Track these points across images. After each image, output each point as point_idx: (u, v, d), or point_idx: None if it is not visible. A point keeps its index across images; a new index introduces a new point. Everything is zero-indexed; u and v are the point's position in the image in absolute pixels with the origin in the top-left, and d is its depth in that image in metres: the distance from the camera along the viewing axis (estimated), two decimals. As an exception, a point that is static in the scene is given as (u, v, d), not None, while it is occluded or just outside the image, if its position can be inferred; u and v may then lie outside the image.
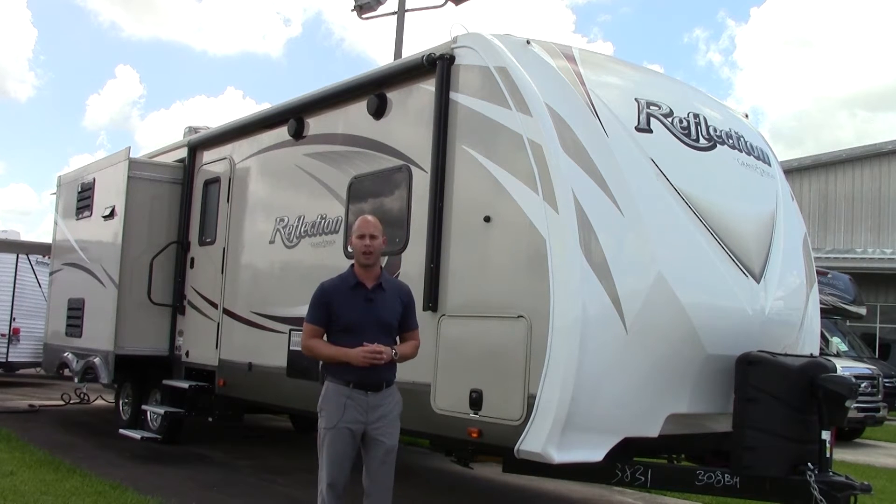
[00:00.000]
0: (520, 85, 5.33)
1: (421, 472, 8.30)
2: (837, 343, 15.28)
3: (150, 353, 9.23)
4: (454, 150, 5.75)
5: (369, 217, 4.61)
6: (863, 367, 14.07)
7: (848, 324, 17.20)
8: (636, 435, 5.09)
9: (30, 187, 79.37)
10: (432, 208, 5.78)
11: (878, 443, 14.09)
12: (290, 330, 7.18)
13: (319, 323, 4.43)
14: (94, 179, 10.30)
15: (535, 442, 4.83)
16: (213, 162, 9.04)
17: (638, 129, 5.48)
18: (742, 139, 6.13)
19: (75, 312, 10.29)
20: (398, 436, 4.47)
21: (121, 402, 10.24)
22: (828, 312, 13.43)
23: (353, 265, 4.54)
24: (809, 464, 4.90)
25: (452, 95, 5.82)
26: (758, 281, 5.65)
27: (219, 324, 8.39)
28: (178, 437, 9.16)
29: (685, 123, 5.72)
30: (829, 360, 5.47)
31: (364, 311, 4.38)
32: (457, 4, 15.35)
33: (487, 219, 5.38)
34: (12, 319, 14.88)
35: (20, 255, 15.08)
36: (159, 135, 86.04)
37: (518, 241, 5.20)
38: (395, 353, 4.38)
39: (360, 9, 15.88)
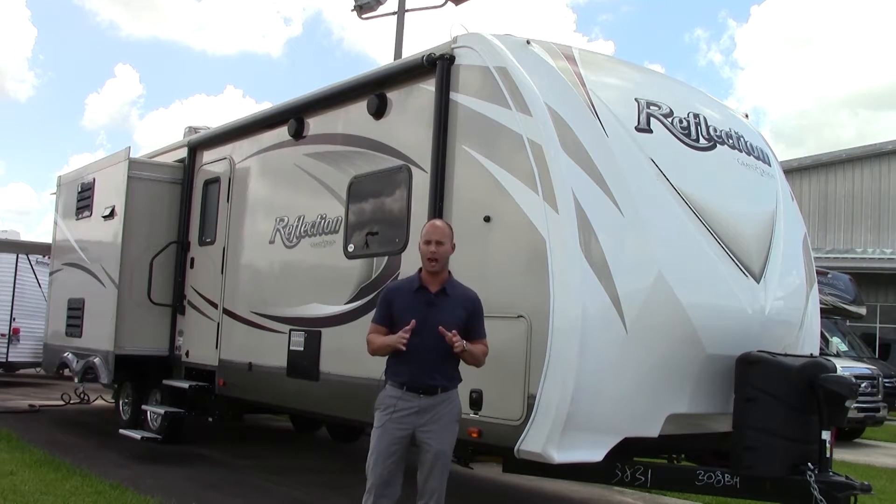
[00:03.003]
0: (520, 85, 5.33)
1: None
2: (837, 343, 15.29)
3: (150, 353, 9.22)
4: (454, 150, 5.75)
5: (438, 222, 4.63)
6: (863, 367, 14.08)
7: (848, 324, 17.20)
8: (636, 435, 5.09)
9: (30, 187, 79.37)
10: (432, 208, 5.78)
11: (878, 443, 14.10)
12: (290, 330, 7.18)
13: (380, 322, 4.49)
14: (94, 179, 10.30)
15: (535, 442, 4.84)
16: (213, 162, 9.04)
17: (638, 129, 5.48)
18: (742, 139, 6.14)
19: (75, 312, 10.29)
20: (451, 442, 4.43)
21: (121, 402, 10.24)
22: (828, 312, 13.43)
23: (420, 269, 4.55)
24: (809, 464, 4.90)
25: (452, 95, 5.82)
26: (758, 281, 5.65)
27: (219, 324, 8.39)
28: (178, 437, 9.15)
29: (685, 123, 5.72)
30: (829, 360, 5.47)
31: (424, 313, 4.36)
32: (457, 4, 15.35)
33: (487, 219, 5.39)
34: (12, 319, 14.88)
35: (20, 255, 15.08)
36: (158, 134, 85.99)
37: (518, 241, 5.20)
38: (464, 345, 4.30)
39: (360, 9, 15.89)
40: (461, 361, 4.48)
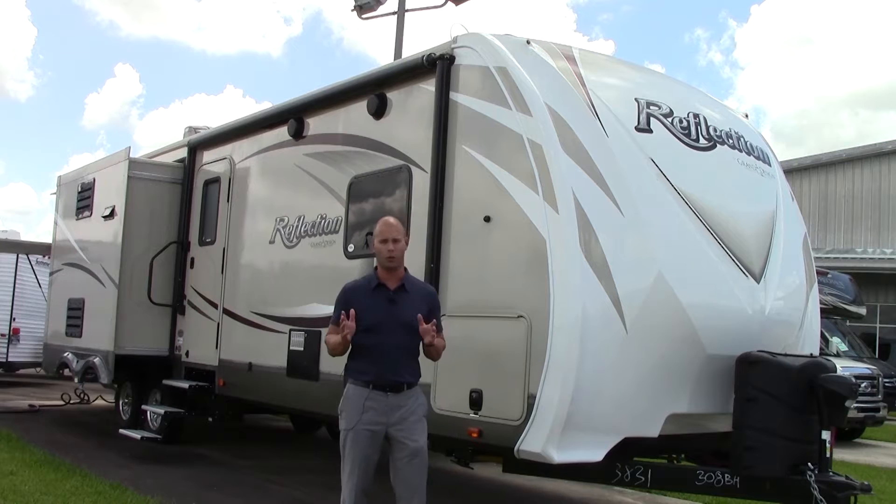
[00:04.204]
0: (520, 85, 5.33)
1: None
2: (837, 343, 15.29)
3: (150, 353, 9.22)
4: (454, 150, 5.75)
5: (391, 220, 4.56)
6: (863, 367, 14.07)
7: (848, 324, 17.20)
8: (636, 435, 5.09)
9: (30, 187, 79.40)
10: (432, 208, 5.78)
11: (878, 443, 14.10)
12: (290, 330, 7.18)
13: (337, 323, 4.42)
14: (94, 179, 10.30)
15: (535, 442, 4.83)
16: (213, 162, 9.04)
17: (638, 129, 5.48)
18: (742, 139, 6.13)
19: (75, 312, 10.29)
20: (425, 437, 4.40)
21: (121, 402, 10.24)
22: (828, 312, 13.43)
23: (376, 267, 4.53)
24: (809, 464, 4.90)
25: (452, 95, 5.82)
26: (758, 281, 5.65)
27: (219, 324, 8.39)
28: (178, 437, 9.15)
29: (685, 123, 5.72)
30: (829, 360, 5.47)
31: (385, 311, 4.35)
32: (457, 4, 15.35)
33: (487, 219, 5.38)
34: (12, 319, 14.88)
35: (20, 255, 15.08)
36: (158, 134, 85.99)
37: (518, 241, 5.20)
38: (432, 338, 4.31)
39: (360, 9, 15.89)
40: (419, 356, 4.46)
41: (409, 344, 4.37)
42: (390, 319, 4.33)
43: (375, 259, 4.56)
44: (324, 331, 6.72)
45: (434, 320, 4.40)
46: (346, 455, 4.34)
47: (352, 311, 4.28)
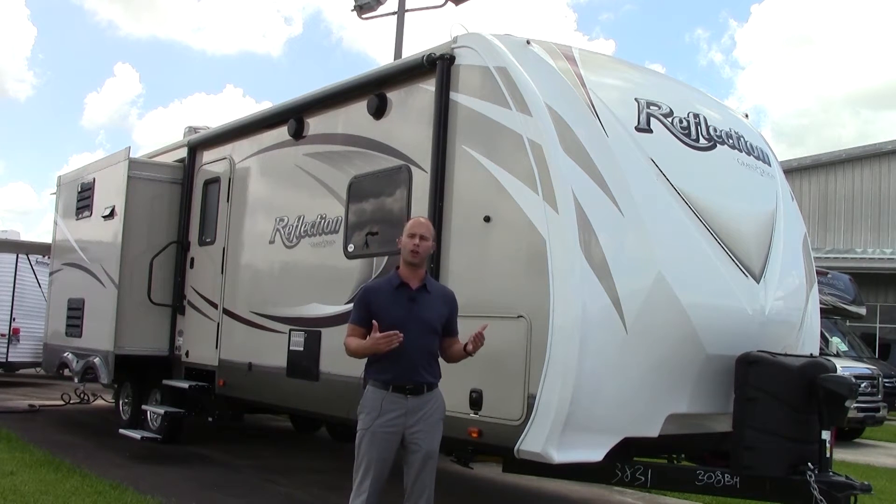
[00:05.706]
0: (520, 85, 5.33)
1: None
2: (837, 343, 15.28)
3: (150, 353, 9.23)
4: (454, 150, 5.75)
5: (422, 219, 4.66)
6: (863, 367, 14.07)
7: (848, 324, 17.20)
8: (636, 435, 5.09)
9: (29, 187, 79.38)
10: (432, 208, 5.78)
11: (878, 443, 14.10)
12: (290, 330, 7.18)
13: (358, 323, 4.40)
14: (94, 179, 10.30)
15: (535, 442, 4.84)
16: (213, 162, 9.04)
17: (638, 129, 5.48)
18: (742, 139, 6.14)
19: (75, 312, 10.29)
20: (439, 441, 4.40)
21: (121, 402, 10.24)
22: (828, 312, 13.43)
23: (397, 267, 4.52)
24: (809, 464, 4.90)
25: (452, 95, 5.82)
26: (758, 281, 5.65)
27: (219, 324, 8.39)
28: (178, 437, 9.16)
29: (685, 123, 5.72)
30: (829, 360, 5.47)
31: (406, 310, 4.33)
32: (457, 4, 15.35)
33: (487, 219, 5.39)
34: (12, 319, 14.88)
35: (20, 255, 15.08)
36: (157, 134, 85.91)
37: (518, 241, 5.20)
38: (468, 347, 4.36)
39: (360, 9, 15.88)
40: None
41: (430, 344, 4.37)
42: (411, 319, 4.30)
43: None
44: (324, 331, 6.78)
45: (455, 324, 4.47)
46: (362, 456, 4.32)
47: (374, 324, 4.23)
